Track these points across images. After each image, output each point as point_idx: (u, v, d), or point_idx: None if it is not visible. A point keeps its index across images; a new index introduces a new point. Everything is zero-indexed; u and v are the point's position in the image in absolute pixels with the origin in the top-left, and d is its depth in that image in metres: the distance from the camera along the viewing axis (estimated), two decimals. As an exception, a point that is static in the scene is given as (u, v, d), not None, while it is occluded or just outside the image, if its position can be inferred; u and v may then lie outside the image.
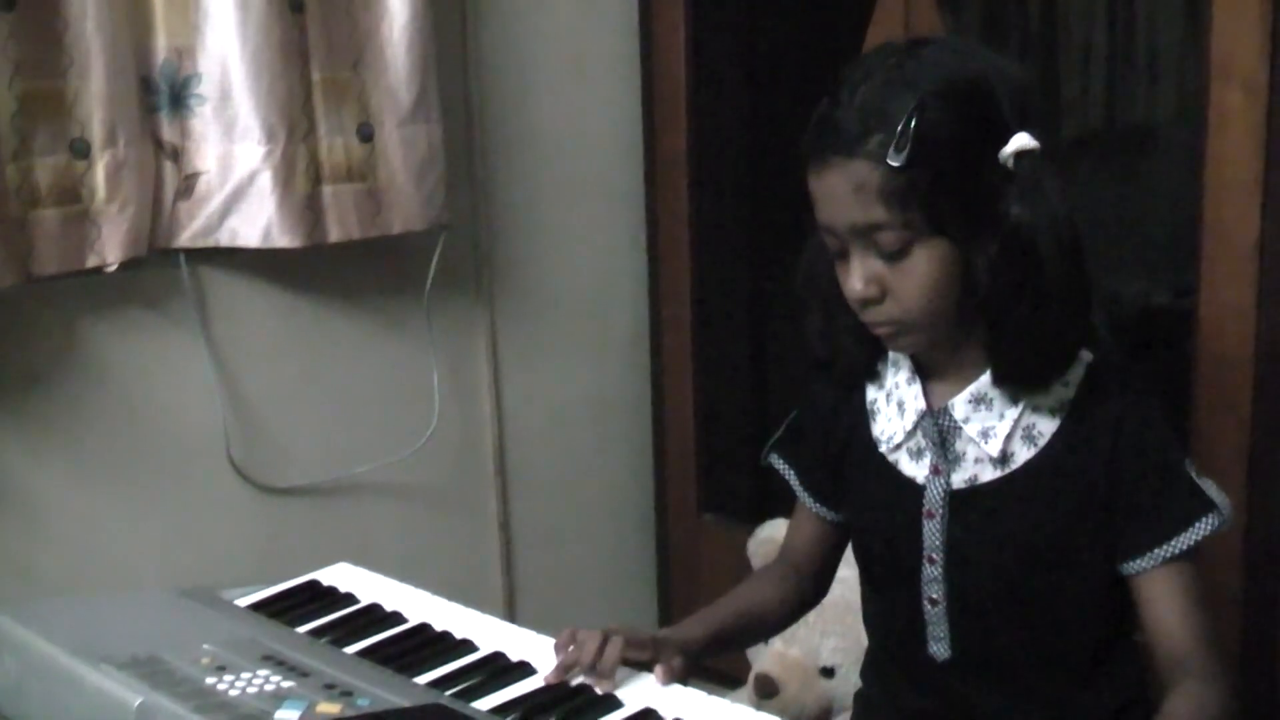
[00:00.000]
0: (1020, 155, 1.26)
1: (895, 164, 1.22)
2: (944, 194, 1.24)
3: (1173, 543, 1.31)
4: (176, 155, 2.04)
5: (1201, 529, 1.32)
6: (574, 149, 2.58)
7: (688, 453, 2.70)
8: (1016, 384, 1.33)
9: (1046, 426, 1.34)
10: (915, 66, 1.26)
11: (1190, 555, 1.32)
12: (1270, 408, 1.82)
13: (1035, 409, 1.34)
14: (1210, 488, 1.34)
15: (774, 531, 2.34)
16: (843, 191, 1.25)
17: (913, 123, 1.21)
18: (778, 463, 1.58)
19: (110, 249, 1.96)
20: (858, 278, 1.28)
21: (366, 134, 2.15)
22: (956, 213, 1.25)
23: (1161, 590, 1.33)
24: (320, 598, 1.54)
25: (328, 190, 2.11)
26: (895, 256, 1.26)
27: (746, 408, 2.86)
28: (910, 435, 1.39)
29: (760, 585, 1.60)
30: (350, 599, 1.53)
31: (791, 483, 1.57)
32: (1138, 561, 1.33)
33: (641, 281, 2.70)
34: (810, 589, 1.60)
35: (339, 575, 1.59)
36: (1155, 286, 2.14)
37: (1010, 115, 1.27)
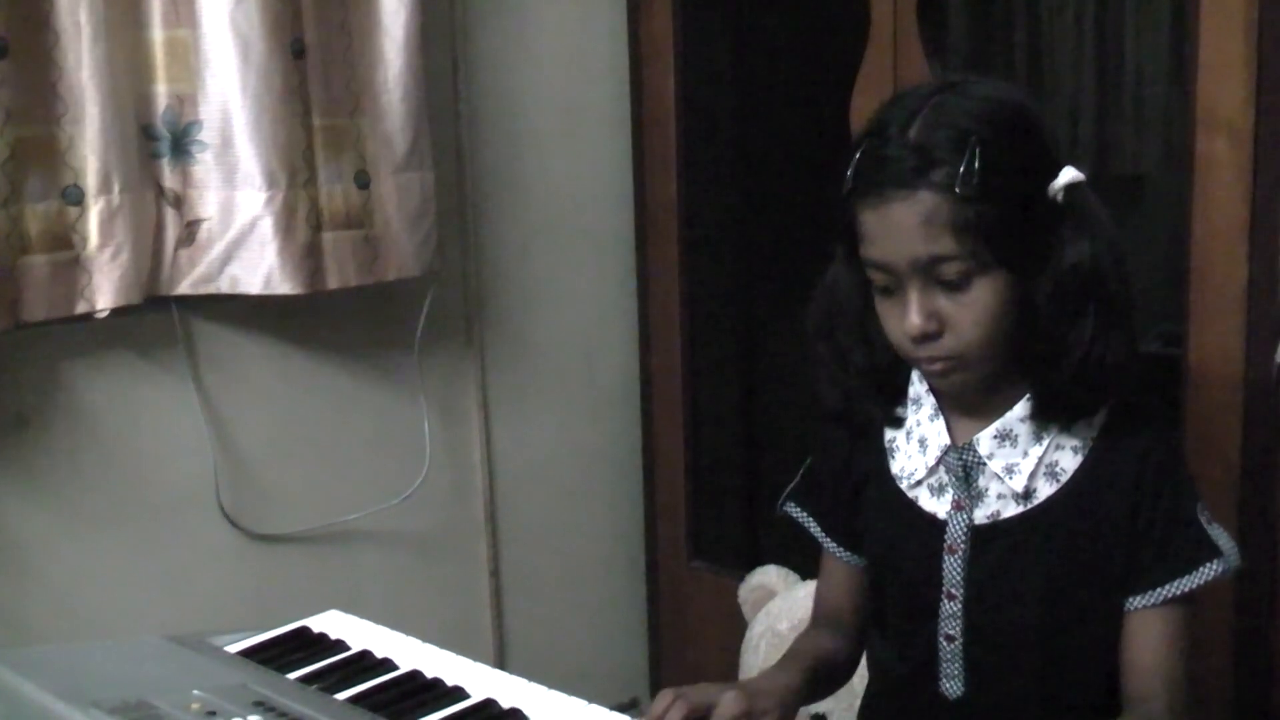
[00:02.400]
0: (1071, 188, 1.29)
1: (963, 193, 1.23)
2: (1006, 224, 1.26)
3: (1172, 585, 1.34)
4: (178, 202, 2.05)
5: (1204, 574, 1.34)
6: (564, 198, 2.59)
7: (678, 501, 2.70)
8: (1063, 414, 1.34)
9: (1069, 463, 1.36)
10: (964, 102, 1.29)
11: (1188, 600, 1.35)
12: (1258, 454, 1.82)
13: (1059, 446, 1.36)
14: (1220, 535, 1.36)
15: (764, 578, 2.36)
16: (909, 224, 1.26)
17: (977, 153, 1.24)
18: (795, 512, 1.57)
19: (101, 295, 1.96)
20: (917, 312, 1.29)
21: (364, 181, 2.16)
22: (1017, 243, 1.28)
23: (1149, 630, 1.35)
24: (310, 644, 1.52)
25: (328, 237, 2.11)
26: (956, 289, 1.28)
27: (736, 456, 2.86)
28: (932, 471, 1.41)
29: (819, 637, 1.56)
30: (340, 646, 1.51)
31: (812, 530, 1.56)
32: (1137, 598, 1.35)
33: (632, 330, 2.70)
34: (856, 640, 1.57)
35: (329, 622, 1.57)
36: (1143, 334, 2.16)
37: (1053, 146, 1.31)
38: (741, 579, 2.41)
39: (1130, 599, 1.35)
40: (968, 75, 1.36)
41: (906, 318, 1.30)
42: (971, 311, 1.29)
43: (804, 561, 2.26)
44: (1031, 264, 1.29)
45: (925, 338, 1.30)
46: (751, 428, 2.84)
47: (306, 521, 2.30)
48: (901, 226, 1.27)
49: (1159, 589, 1.34)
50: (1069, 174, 1.30)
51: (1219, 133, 1.81)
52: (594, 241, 2.65)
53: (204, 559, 2.20)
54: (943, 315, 1.29)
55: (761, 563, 2.40)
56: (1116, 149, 2.22)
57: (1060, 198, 1.30)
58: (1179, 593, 1.34)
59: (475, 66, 2.44)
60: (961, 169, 1.24)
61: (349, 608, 1.62)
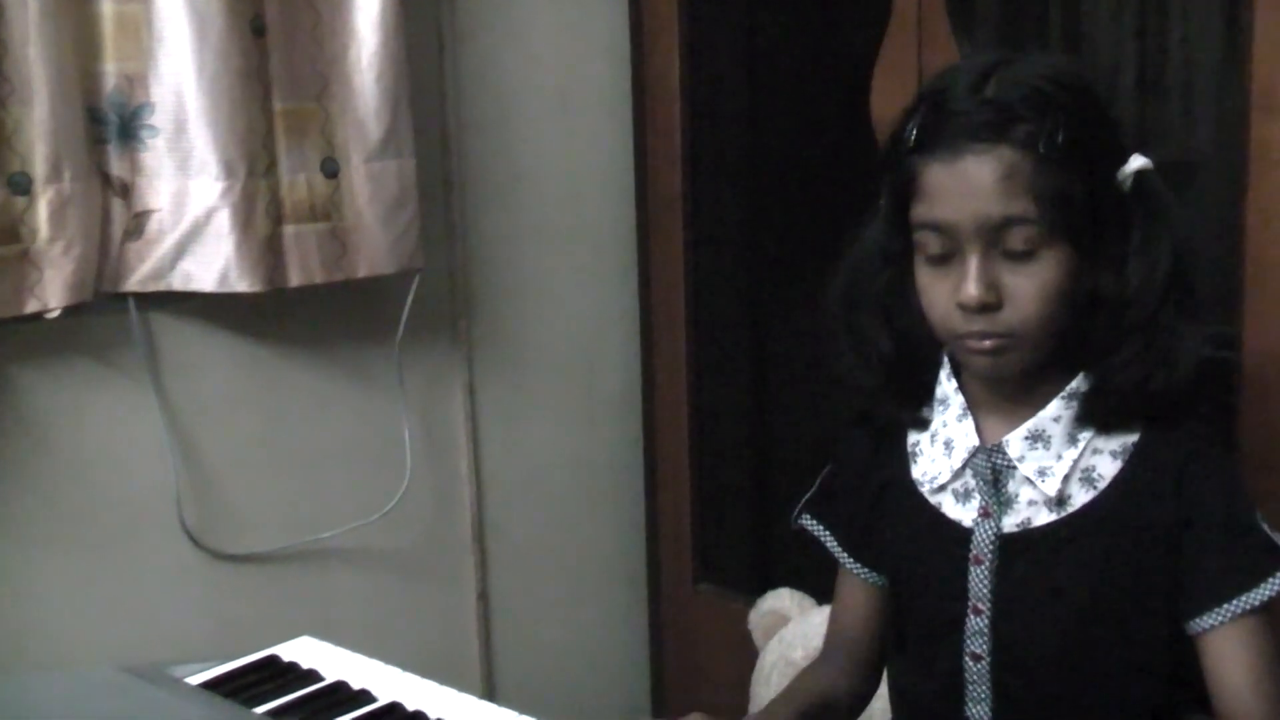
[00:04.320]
0: (1141, 175, 1.31)
1: (1048, 152, 1.24)
2: (1083, 195, 1.27)
3: (1243, 598, 1.32)
4: (126, 192, 2.04)
5: (1276, 584, 1.32)
6: (560, 187, 2.58)
7: (682, 517, 2.70)
8: (1114, 419, 1.35)
9: (1107, 468, 1.36)
10: (1037, 67, 1.31)
11: (1262, 612, 1.33)
12: None
13: (1095, 450, 1.36)
14: None
15: (777, 603, 2.36)
16: (986, 181, 1.26)
17: (1060, 113, 1.25)
18: (810, 524, 1.58)
19: (52, 293, 1.95)
20: (975, 280, 1.28)
21: (332, 170, 2.15)
22: (1090, 219, 1.28)
23: (1231, 649, 1.33)
24: (280, 675, 1.52)
25: (289, 230, 2.10)
26: (1021, 258, 1.28)
27: (746, 468, 2.86)
28: (957, 475, 1.41)
29: (824, 672, 1.58)
30: (313, 676, 1.52)
31: (829, 545, 1.56)
32: (1205, 618, 1.33)
33: (633, 332, 2.70)
34: (871, 672, 1.57)
35: (301, 650, 1.58)
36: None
37: (1123, 132, 1.33)
38: (752, 603, 2.41)
39: (1196, 619, 1.34)
40: (1026, 51, 1.37)
41: (964, 286, 1.29)
42: (1035, 284, 1.29)
43: (820, 584, 2.25)
44: (1097, 247, 1.30)
45: (982, 309, 1.29)
46: (763, 437, 2.84)
47: (276, 540, 2.29)
48: (976, 183, 1.27)
49: (1229, 604, 1.32)
50: (1139, 160, 1.31)
51: (1276, 115, 1.78)
52: (592, 235, 2.65)
53: (164, 581, 2.19)
54: (1003, 287, 1.29)
55: (774, 585, 2.40)
56: (1163, 134, 2.20)
57: (1128, 185, 1.31)
58: (1250, 605, 1.32)
59: (462, 43, 2.43)
60: (1047, 127, 1.25)
61: (323, 634, 1.63)
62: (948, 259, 1.31)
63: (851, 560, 1.55)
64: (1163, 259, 1.30)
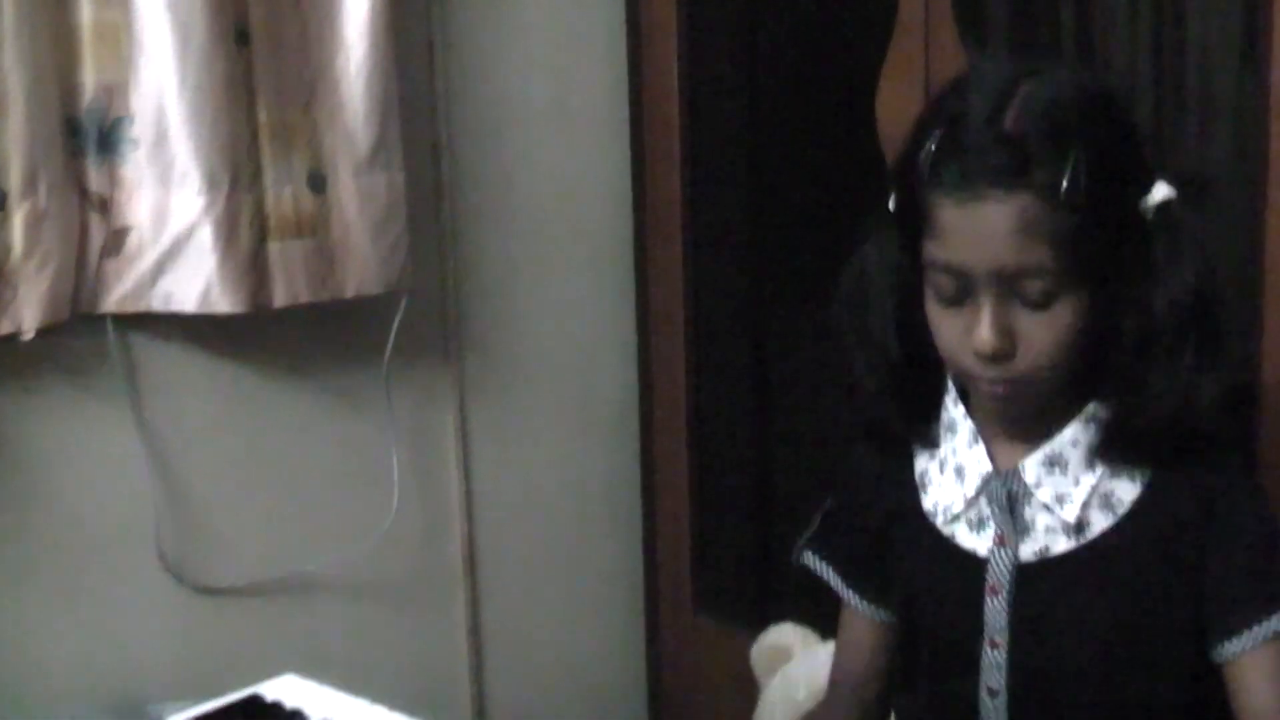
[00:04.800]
0: (1164, 205, 1.30)
1: (1071, 200, 1.22)
2: (1104, 237, 1.26)
3: (1273, 620, 1.32)
4: (104, 207, 2.03)
5: None
6: (555, 200, 2.58)
7: (682, 546, 2.69)
8: (1135, 455, 1.34)
9: (1126, 493, 1.35)
10: (1058, 92, 1.28)
11: None
12: None
13: (1114, 475, 1.35)
14: None
15: (780, 637, 2.35)
16: (1002, 230, 1.24)
17: (1083, 153, 1.23)
18: (813, 562, 1.57)
19: (27, 313, 1.94)
20: (990, 328, 1.28)
21: (318, 183, 2.14)
22: (1110, 260, 1.27)
23: (1261, 673, 1.33)
24: (263, 715, 1.53)
25: (274, 247, 2.09)
26: (1038, 305, 1.27)
27: (749, 495, 2.85)
28: (971, 504, 1.40)
29: (830, 714, 1.58)
30: (298, 716, 1.52)
31: (832, 583, 1.56)
32: (1233, 643, 1.33)
33: (630, 349, 2.70)
34: (879, 712, 1.57)
35: (285, 688, 1.58)
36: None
37: (1147, 154, 1.32)
38: (754, 636, 2.39)
39: (1223, 645, 1.34)
40: (1041, 60, 1.35)
41: (977, 333, 1.28)
42: (1050, 332, 1.28)
43: (826, 618, 2.24)
44: (1118, 286, 1.29)
45: (996, 356, 1.28)
46: (766, 460, 2.83)
47: (258, 571, 2.28)
48: (992, 231, 1.25)
49: (1257, 628, 1.32)
50: (1162, 191, 1.30)
51: None
52: (588, 248, 2.65)
53: (141, 614, 2.17)
54: (1018, 333, 1.29)
55: (777, 618, 2.39)
56: (1177, 145, 2.19)
57: (1151, 216, 1.30)
58: None
59: (455, 51, 2.43)
60: (1068, 172, 1.22)
61: (307, 670, 1.63)
62: (962, 300, 1.30)
63: (856, 596, 1.54)
64: (1185, 291, 1.29)
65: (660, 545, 2.73)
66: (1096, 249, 1.25)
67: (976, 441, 1.40)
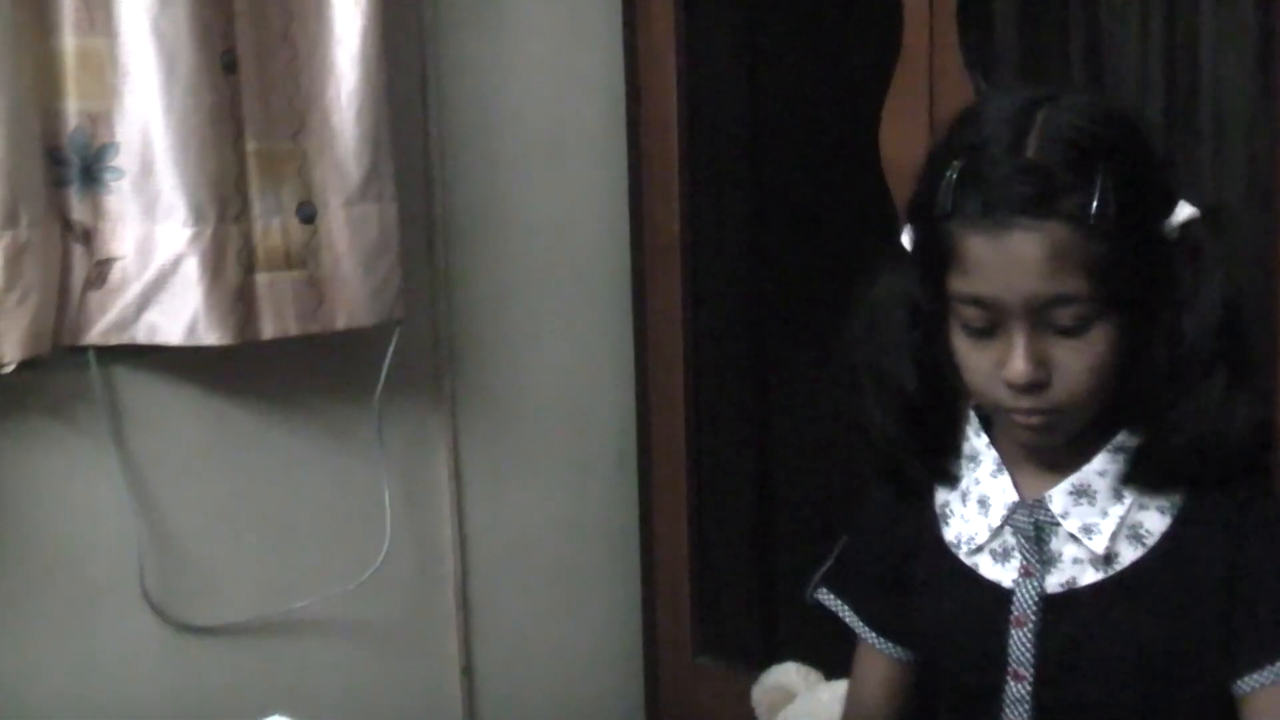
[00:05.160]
0: (1188, 225, 1.30)
1: (1101, 226, 1.23)
2: (1135, 261, 1.26)
3: None
4: (87, 238, 2.03)
5: None
6: (551, 233, 2.58)
7: (680, 584, 2.68)
8: (1166, 483, 1.34)
9: (1155, 525, 1.35)
10: (1078, 117, 1.28)
11: None
12: None
13: (1142, 505, 1.35)
14: None
15: (783, 678, 2.34)
16: (1033, 259, 1.24)
17: (1108, 178, 1.23)
18: (828, 599, 1.56)
19: (7, 346, 1.93)
20: (1025, 358, 1.27)
21: (308, 214, 2.14)
22: (1141, 283, 1.28)
23: (1276, 709, 1.32)
24: None
25: (263, 279, 2.09)
26: (1071, 334, 1.27)
27: (750, 533, 2.85)
28: (995, 534, 1.40)
29: None
30: None
31: (847, 619, 1.55)
32: (1252, 678, 1.32)
33: (628, 386, 2.69)
34: None
35: None
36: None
37: (1168, 171, 1.33)
38: (755, 677, 2.38)
39: (1243, 679, 1.33)
40: (1058, 85, 1.35)
41: (1011, 364, 1.28)
42: (1085, 359, 1.28)
43: (830, 658, 2.25)
44: (1145, 308, 1.29)
45: (1030, 387, 1.29)
46: (768, 499, 2.83)
47: (246, 610, 2.27)
48: (1023, 261, 1.25)
49: (1278, 662, 1.32)
50: (1186, 210, 1.30)
51: None
52: (585, 281, 2.65)
53: (125, 654, 2.16)
54: (1052, 362, 1.29)
55: (779, 659, 2.38)
56: (1190, 176, 2.19)
57: (1175, 236, 1.30)
58: None
59: (448, 79, 2.43)
60: (1097, 197, 1.23)
61: (296, 712, 1.64)
62: (991, 332, 1.30)
63: (873, 633, 1.54)
64: (1214, 314, 1.29)
65: (659, 584, 2.72)
66: (1126, 273, 1.26)
67: (1001, 471, 1.40)
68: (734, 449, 2.80)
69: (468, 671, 2.53)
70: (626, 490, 2.72)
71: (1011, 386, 1.29)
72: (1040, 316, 1.27)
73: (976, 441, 1.42)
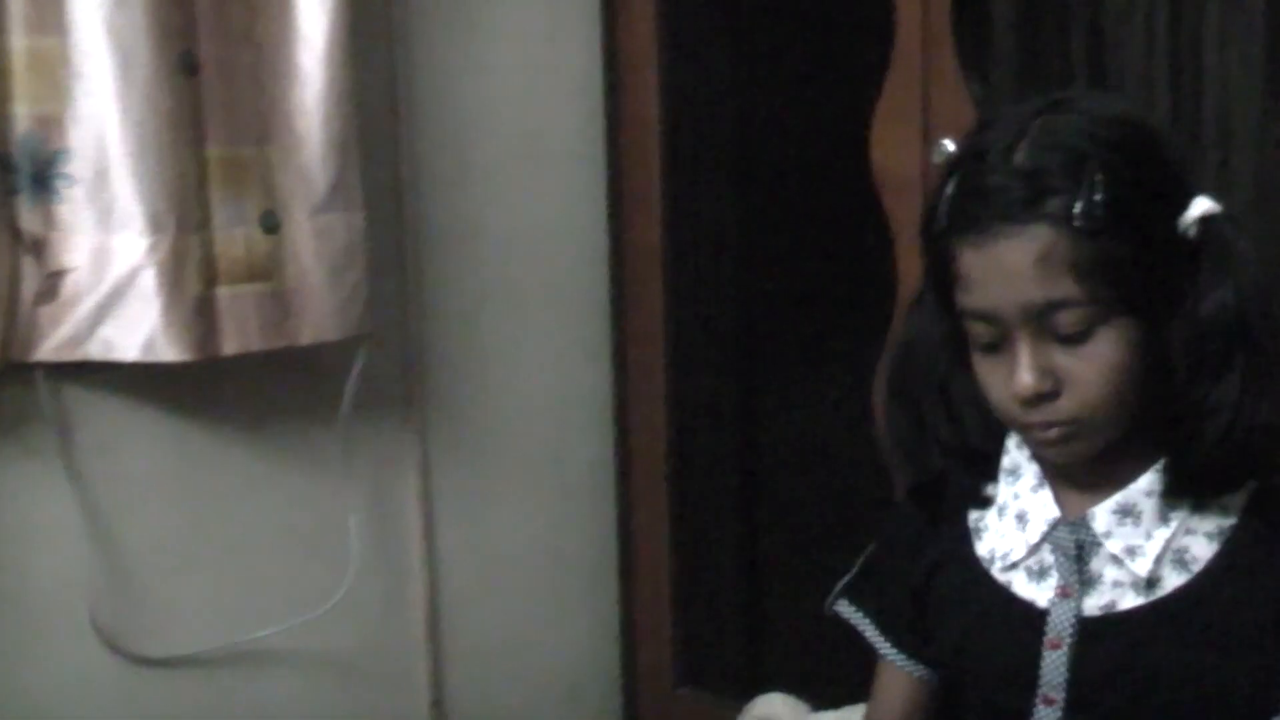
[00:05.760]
0: (1206, 220, 1.30)
1: (1085, 226, 1.24)
2: (1133, 263, 1.26)
3: None
4: (38, 249, 2.02)
5: None
6: (526, 244, 2.58)
7: (661, 613, 2.69)
8: (1203, 489, 1.34)
9: (1201, 551, 1.35)
10: (1077, 119, 1.30)
11: None
12: None
13: (1189, 530, 1.35)
14: None
15: (768, 709, 2.34)
16: (1020, 265, 1.26)
17: (1098, 179, 1.24)
18: (848, 610, 1.57)
19: (-46, 361, 1.93)
20: (1028, 369, 1.29)
21: (272, 224, 2.13)
22: (1145, 286, 1.28)
23: None
24: None
25: (224, 292, 2.09)
26: (1075, 340, 1.28)
27: (732, 560, 2.85)
28: (1033, 551, 1.40)
29: None
30: None
31: (868, 634, 1.56)
32: None
33: (606, 406, 2.69)
34: None
35: None
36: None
37: (1182, 172, 1.32)
38: (739, 709, 2.38)
39: None
40: (1075, 93, 1.38)
41: (1016, 375, 1.30)
42: (1093, 367, 1.28)
43: (816, 687, 2.26)
44: (1162, 310, 1.29)
45: (1039, 399, 1.30)
46: (751, 524, 2.83)
47: (204, 641, 2.25)
48: (1012, 268, 1.27)
49: None
50: (1202, 205, 1.30)
51: None
52: (562, 296, 2.64)
53: (75, 688, 2.15)
54: (1060, 372, 1.29)
55: (763, 689, 2.38)
56: (1197, 182, 2.20)
57: (1193, 233, 1.30)
58: None
59: (419, 84, 2.43)
60: (1081, 197, 1.24)
61: None
62: (1000, 346, 1.31)
63: (894, 650, 1.54)
64: (1227, 305, 1.29)
65: (639, 613, 2.72)
66: (1130, 275, 1.26)
67: (1043, 486, 1.41)
68: (717, 469, 2.80)
69: (437, 705, 2.52)
70: (604, 512, 2.72)
71: (1019, 400, 1.30)
72: (1041, 325, 1.28)
73: (1018, 454, 1.43)
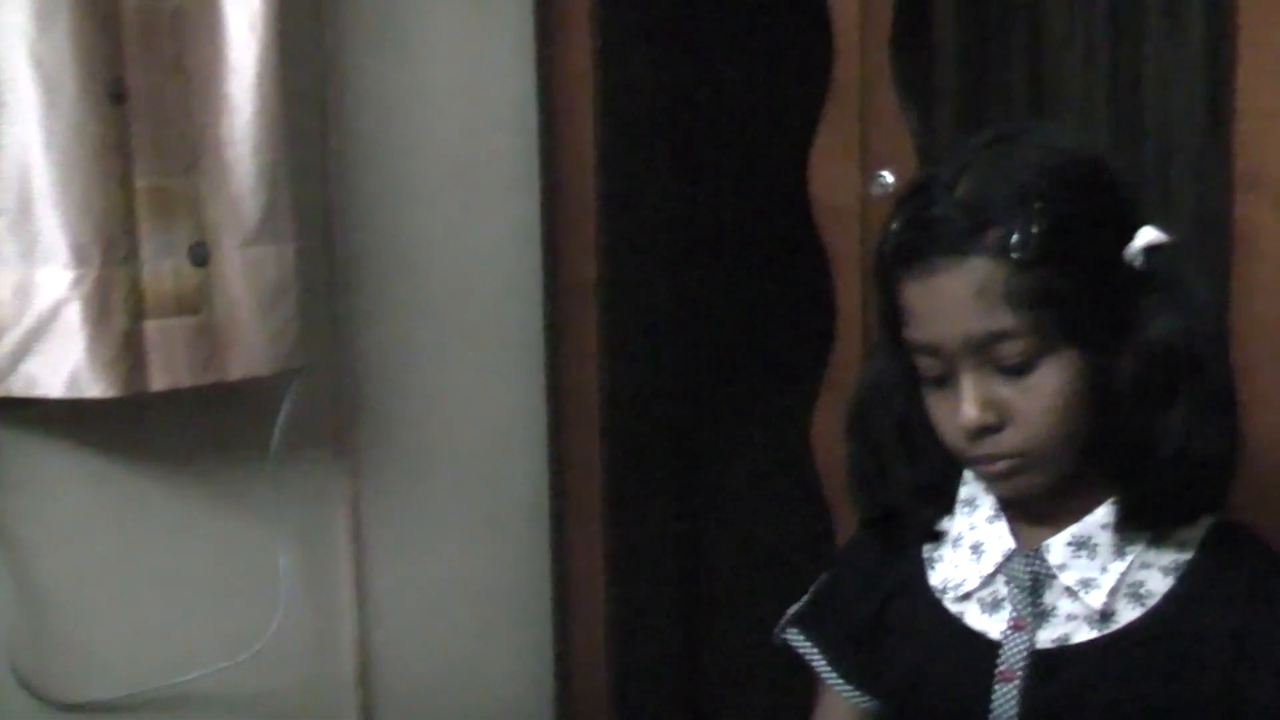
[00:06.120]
0: (1151, 250, 1.33)
1: (1022, 257, 1.27)
2: (1076, 295, 1.29)
3: None
4: None
5: None
6: (459, 275, 2.57)
7: (597, 653, 2.68)
8: (1155, 521, 1.36)
9: (1157, 585, 1.37)
10: (1019, 150, 1.34)
11: None
12: None
13: (1145, 565, 1.37)
14: None
15: None
16: (960, 297, 1.30)
17: (1037, 210, 1.27)
18: (796, 639, 1.59)
19: None
20: (972, 402, 1.32)
21: (201, 256, 2.11)
22: (1089, 318, 1.31)
23: None
24: None
25: (152, 326, 2.06)
26: (1018, 372, 1.31)
27: (672, 602, 2.86)
28: (987, 582, 1.43)
29: None
30: None
31: (815, 664, 1.58)
32: None
33: (541, 442, 2.69)
34: None
35: None
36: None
37: (1129, 204, 1.35)
38: None
39: None
40: (1026, 124, 1.41)
41: (960, 409, 1.32)
42: (1037, 399, 1.31)
43: None
44: (1109, 342, 1.33)
45: (983, 432, 1.32)
46: (691, 561, 2.84)
47: (127, 685, 2.22)
48: (951, 300, 1.31)
49: None
50: (1148, 234, 1.33)
51: (1263, 196, 1.80)
52: (496, 330, 2.64)
53: None
54: (1003, 405, 1.33)
55: None
56: (1145, 213, 2.25)
57: (1139, 263, 1.33)
58: None
59: (349, 113, 2.42)
60: (1018, 229, 1.27)
61: None
62: (947, 380, 1.34)
63: (841, 681, 1.56)
64: (1171, 335, 1.32)
65: (574, 657, 2.71)
66: (1072, 306, 1.29)
67: (999, 518, 1.43)
68: (654, 503, 2.81)
69: (369, 748, 2.52)
70: (539, 548, 2.70)
71: (964, 432, 1.33)
72: (984, 358, 1.31)
73: (975, 486, 1.45)
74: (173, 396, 2.12)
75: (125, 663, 2.22)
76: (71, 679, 2.17)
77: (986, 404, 1.32)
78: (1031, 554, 1.40)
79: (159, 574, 2.26)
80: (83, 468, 2.17)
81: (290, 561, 2.34)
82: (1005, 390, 1.32)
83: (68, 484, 2.16)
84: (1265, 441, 1.79)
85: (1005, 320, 1.29)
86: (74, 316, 1.99)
